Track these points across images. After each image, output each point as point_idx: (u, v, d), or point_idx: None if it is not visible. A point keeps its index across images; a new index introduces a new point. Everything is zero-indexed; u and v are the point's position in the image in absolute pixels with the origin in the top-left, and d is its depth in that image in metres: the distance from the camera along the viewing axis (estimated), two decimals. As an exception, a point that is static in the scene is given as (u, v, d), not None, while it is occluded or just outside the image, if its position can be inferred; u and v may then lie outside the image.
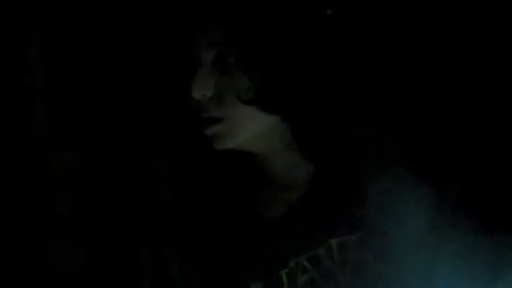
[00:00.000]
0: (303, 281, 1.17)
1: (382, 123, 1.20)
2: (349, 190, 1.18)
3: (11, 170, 1.33)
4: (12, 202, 1.31)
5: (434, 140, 1.23)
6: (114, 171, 1.30)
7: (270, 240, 1.18)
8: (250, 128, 1.16)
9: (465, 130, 1.25)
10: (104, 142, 1.33)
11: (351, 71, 1.18)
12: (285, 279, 1.17)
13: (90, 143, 1.34)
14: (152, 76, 1.28)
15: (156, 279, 1.21)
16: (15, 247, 1.30)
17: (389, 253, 1.15)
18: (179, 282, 1.20)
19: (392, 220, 1.15)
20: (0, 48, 1.38)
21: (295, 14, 1.14)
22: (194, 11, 1.16)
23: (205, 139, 1.17)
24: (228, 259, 1.19)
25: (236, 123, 1.15)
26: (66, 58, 1.38)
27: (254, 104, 1.13)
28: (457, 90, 1.28)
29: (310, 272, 1.16)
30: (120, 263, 1.24)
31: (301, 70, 1.14)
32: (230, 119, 1.15)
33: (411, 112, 1.25)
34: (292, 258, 1.16)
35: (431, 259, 1.14)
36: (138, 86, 1.31)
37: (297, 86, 1.14)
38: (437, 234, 1.14)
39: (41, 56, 1.38)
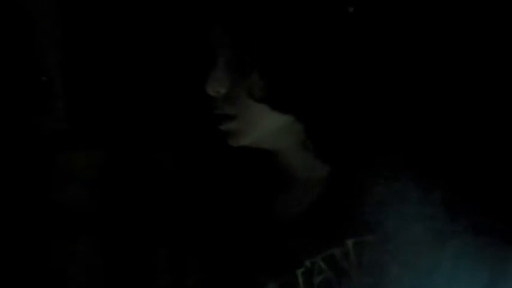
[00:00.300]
0: (318, 281, 1.17)
1: (393, 125, 1.20)
2: (365, 191, 1.18)
3: (28, 168, 1.33)
4: (30, 199, 1.31)
5: (442, 142, 1.23)
6: (132, 170, 1.30)
7: (286, 239, 1.18)
8: (263, 126, 1.16)
9: (470, 132, 1.25)
10: (122, 140, 1.34)
11: (364, 71, 1.18)
12: (300, 279, 1.17)
13: (107, 141, 1.34)
14: (171, 73, 1.28)
15: (172, 278, 1.21)
16: (31, 243, 1.30)
17: (405, 254, 1.15)
18: (195, 281, 1.20)
19: (408, 221, 1.15)
20: (19, 47, 1.38)
21: (311, 13, 1.14)
22: (210, 10, 1.17)
23: (222, 137, 1.18)
24: (244, 258, 1.19)
25: (249, 121, 1.16)
26: (83, 58, 1.38)
27: (266, 102, 1.14)
28: (461, 94, 1.28)
29: (326, 272, 1.16)
30: (137, 263, 1.25)
31: (314, 69, 1.14)
32: (243, 117, 1.16)
33: (421, 115, 1.25)
34: (308, 258, 1.16)
35: (444, 260, 1.14)
36: (155, 84, 1.32)
37: (310, 85, 1.14)
38: (446, 234, 1.14)
39: (59, 55, 1.39)
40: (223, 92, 1.15)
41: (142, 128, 1.33)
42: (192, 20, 1.19)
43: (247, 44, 1.13)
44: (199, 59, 1.18)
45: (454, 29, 1.27)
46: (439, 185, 1.15)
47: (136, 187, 1.29)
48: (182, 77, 1.26)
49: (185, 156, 1.26)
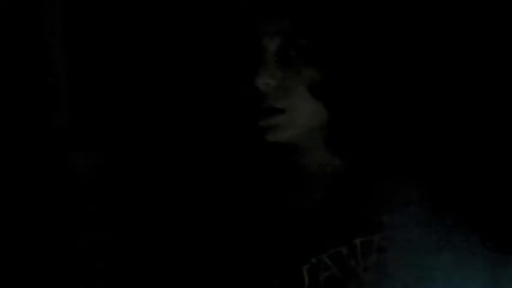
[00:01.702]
0: (324, 278, 1.16)
1: (406, 129, 1.21)
2: (375, 191, 1.19)
3: (33, 168, 1.32)
4: (33, 198, 1.29)
5: (431, 140, 1.24)
6: (140, 166, 1.29)
7: (293, 235, 1.18)
8: (309, 122, 1.15)
9: (463, 133, 1.27)
10: (128, 140, 1.33)
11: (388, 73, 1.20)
12: (306, 275, 1.16)
13: (113, 141, 1.34)
14: (181, 71, 1.28)
15: (179, 271, 1.20)
16: (38, 240, 1.28)
17: (413, 254, 1.15)
18: (201, 275, 1.19)
19: (416, 221, 1.16)
20: (24, 49, 1.38)
21: (364, 5, 1.15)
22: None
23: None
24: (250, 253, 1.18)
25: (298, 116, 1.14)
26: (89, 58, 1.38)
27: (322, 97, 1.13)
28: (458, 92, 1.29)
29: (332, 270, 1.16)
30: (145, 253, 1.23)
31: (367, 65, 1.15)
32: (293, 111, 1.14)
33: (433, 120, 1.27)
34: (314, 254, 1.16)
35: (453, 259, 1.15)
36: (165, 81, 1.32)
37: (362, 83, 1.14)
38: (429, 234, 1.15)
39: (65, 56, 1.39)
40: (273, 84, 1.13)
41: (151, 126, 1.33)
42: (239, 7, 1.17)
43: (298, 35, 1.13)
44: (243, 50, 1.16)
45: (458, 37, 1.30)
46: (446, 187, 1.16)
47: (144, 182, 1.28)
48: (199, 74, 1.25)
49: (196, 150, 1.26)
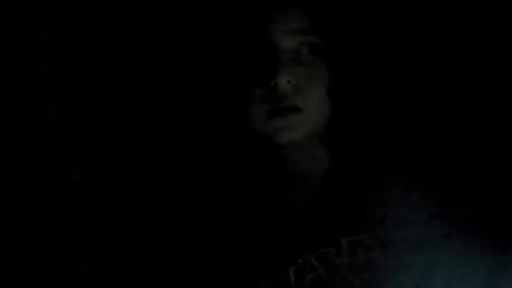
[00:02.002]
0: (310, 279, 1.16)
1: (396, 128, 1.20)
2: (361, 190, 1.18)
3: (21, 165, 1.27)
4: (21, 195, 1.26)
5: (431, 140, 1.24)
6: (132, 165, 1.26)
7: (278, 237, 1.17)
8: (320, 121, 1.15)
9: (464, 132, 1.26)
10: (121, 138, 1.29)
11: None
12: (292, 276, 1.16)
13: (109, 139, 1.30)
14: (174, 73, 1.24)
15: (164, 270, 1.19)
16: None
17: (399, 254, 1.16)
18: (187, 275, 1.18)
19: (403, 221, 1.16)
20: (12, 45, 1.31)
21: (377, 6, 1.13)
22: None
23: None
24: (236, 253, 1.17)
25: (313, 115, 1.13)
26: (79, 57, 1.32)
27: (333, 96, 1.11)
28: (459, 94, 1.29)
29: (318, 270, 1.16)
30: (132, 250, 1.21)
31: (378, 64, 1.13)
32: (309, 110, 1.12)
33: (424, 118, 1.26)
34: (301, 255, 1.16)
35: (444, 260, 1.16)
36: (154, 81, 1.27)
37: (370, 81, 1.13)
38: (428, 234, 1.15)
39: (54, 55, 1.31)
40: (293, 82, 1.11)
41: (140, 126, 1.28)
42: (256, 4, 1.13)
43: (315, 34, 1.11)
44: (258, 48, 1.12)
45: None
46: (437, 186, 1.15)
47: (134, 180, 1.25)
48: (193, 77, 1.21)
49: (183, 151, 1.23)
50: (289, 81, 1.10)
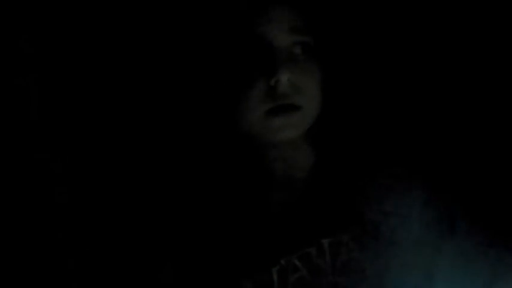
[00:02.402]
0: (293, 280, 1.16)
1: (387, 124, 1.22)
2: (342, 190, 1.19)
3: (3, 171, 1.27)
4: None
5: (434, 140, 1.26)
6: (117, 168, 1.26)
7: (261, 237, 1.17)
8: (312, 120, 1.16)
9: (465, 132, 1.28)
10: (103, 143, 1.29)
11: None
12: (275, 277, 1.16)
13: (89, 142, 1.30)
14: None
15: (145, 275, 1.18)
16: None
17: (381, 253, 1.17)
18: (168, 279, 1.17)
19: (385, 220, 1.17)
20: None
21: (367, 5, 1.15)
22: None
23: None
24: (219, 256, 1.17)
25: (311, 113, 1.15)
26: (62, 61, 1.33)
27: (328, 95, 1.13)
28: (461, 93, 1.30)
29: (301, 271, 1.16)
30: (115, 256, 1.20)
31: (367, 62, 1.15)
32: (307, 108, 1.14)
33: (413, 113, 1.27)
34: (283, 256, 1.16)
35: (428, 259, 1.16)
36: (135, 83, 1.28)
37: (359, 79, 1.15)
38: (435, 234, 1.16)
39: (36, 57, 1.32)
40: (293, 81, 1.12)
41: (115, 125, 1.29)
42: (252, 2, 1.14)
43: (310, 33, 1.12)
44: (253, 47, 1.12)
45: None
46: (423, 186, 1.17)
47: (116, 186, 1.25)
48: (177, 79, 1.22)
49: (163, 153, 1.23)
50: (288, 80, 1.12)
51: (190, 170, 1.22)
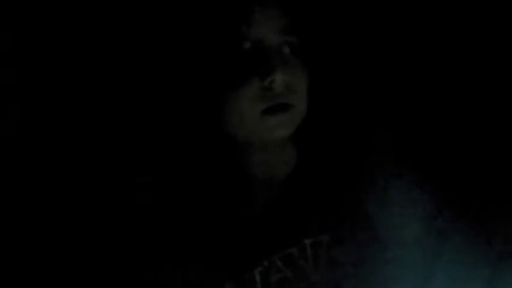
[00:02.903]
0: (275, 280, 1.17)
1: (376, 123, 1.22)
2: (324, 191, 1.20)
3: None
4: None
5: (430, 139, 1.26)
6: (94, 174, 1.26)
7: (243, 239, 1.18)
8: (301, 118, 1.16)
9: (464, 132, 1.28)
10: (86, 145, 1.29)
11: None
12: (258, 278, 1.17)
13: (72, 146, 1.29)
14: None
15: (128, 276, 1.18)
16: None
17: (362, 253, 1.17)
18: (151, 280, 1.18)
19: (366, 220, 1.18)
20: None
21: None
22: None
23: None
24: (201, 257, 1.18)
25: (302, 112, 1.16)
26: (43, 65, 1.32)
27: (314, 95, 1.14)
28: (458, 92, 1.30)
29: (284, 271, 1.17)
30: (99, 261, 1.21)
31: (353, 62, 1.15)
32: (299, 107, 1.15)
33: (407, 111, 1.28)
34: (265, 257, 1.17)
35: (413, 258, 1.17)
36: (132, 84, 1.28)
37: (343, 79, 1.16)
38: (417, 233, 1.17)
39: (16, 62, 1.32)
40: (287, 80, 1.12)
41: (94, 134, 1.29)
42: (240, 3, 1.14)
43: (299, 33, 1.12)
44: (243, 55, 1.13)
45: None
46: (411, 186, 1.18)
47: (95, 190, 1.25)
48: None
49: (148, 156, 1.23)
50: (284, 79, 1.12)
51: (173, 170, 1.22)
